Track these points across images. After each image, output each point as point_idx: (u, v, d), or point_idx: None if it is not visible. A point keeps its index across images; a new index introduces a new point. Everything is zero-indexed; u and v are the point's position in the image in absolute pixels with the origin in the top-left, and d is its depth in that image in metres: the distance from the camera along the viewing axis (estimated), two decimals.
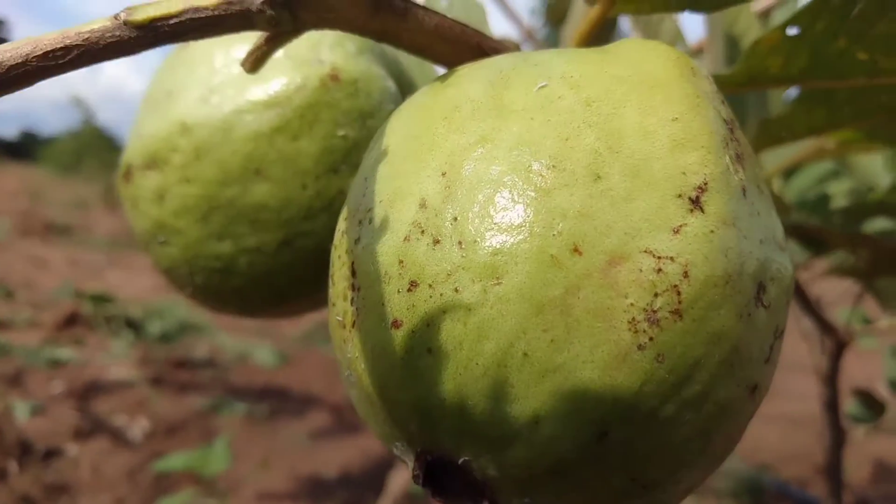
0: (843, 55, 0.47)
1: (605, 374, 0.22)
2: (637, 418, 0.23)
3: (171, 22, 0.27)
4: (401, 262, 0.25)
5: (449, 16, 0.53)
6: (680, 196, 0.24)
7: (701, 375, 0.23)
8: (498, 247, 0.23)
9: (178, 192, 0.38)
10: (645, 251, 0.23)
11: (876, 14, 0.44)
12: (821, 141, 0.70)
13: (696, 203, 0.24)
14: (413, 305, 0.24)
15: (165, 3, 0.27)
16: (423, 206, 0.25)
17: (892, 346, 1.27)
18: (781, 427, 2.81)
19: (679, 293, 0.23)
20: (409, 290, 0.25)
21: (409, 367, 0.24)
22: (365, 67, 0.39)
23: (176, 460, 1.80)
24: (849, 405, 1.27)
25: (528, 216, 0.23)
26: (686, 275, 0.23)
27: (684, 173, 0.24)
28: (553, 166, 0.24)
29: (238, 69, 0.38)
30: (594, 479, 0.24)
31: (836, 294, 1.28)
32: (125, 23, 0.27)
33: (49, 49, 0.26)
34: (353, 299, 0.27)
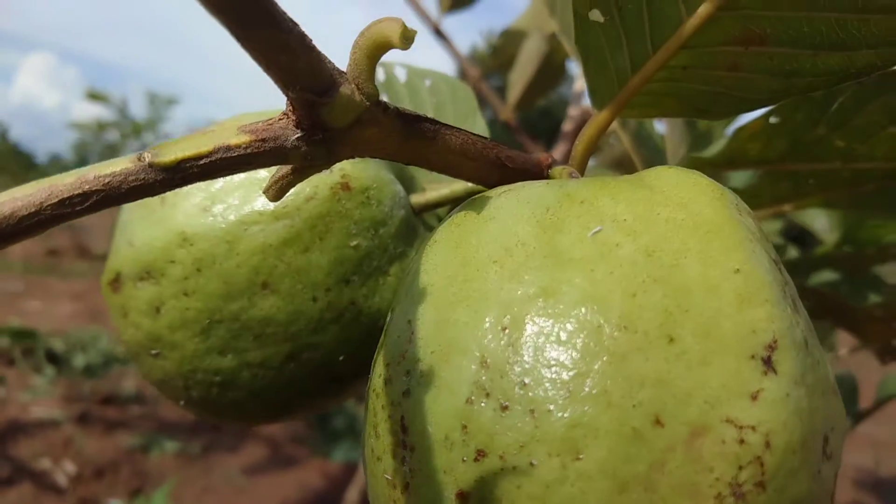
0: (822, 142, 0.49)
1: None
2: None
3: (202, 162, 0.25)
4: (464, 426, 0.23)
5: (433, 97, 0.52)
6: (753, 357, 0.23)
7: None
8: (576, 418, 0.22)
9: (177, 306, 0.36)
10: (726, 420, 0.22)
11: (855, 108, 0.46)
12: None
13: (768, 364, 0.23)
14: (481, 477, 0.23)
15: (194, 142, 0.25)
16: (483, 364, 0.24)
17: None
18: None
19: (762, 464, 0.22)
20: (475, 459, 0.23)
21: None
22: (374, 174, 0.37)
23: None
24: None
25: (606, 384, 0.22)
26: (768, 444, 0.22)
27: (754, 331, 0.23)
28: (625, 327, 0.23)
29: (239, 177, 0.36)
30: None
31: None
32: (150, 165, 0.24)
33: (66, 196, 0.24)
34: (404, 459, 0.25)
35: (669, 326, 0.23)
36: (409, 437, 0.25)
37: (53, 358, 3.40)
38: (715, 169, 0.53)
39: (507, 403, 0.23)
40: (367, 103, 0.27)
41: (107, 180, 0.24)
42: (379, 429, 0.27)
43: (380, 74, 0.52)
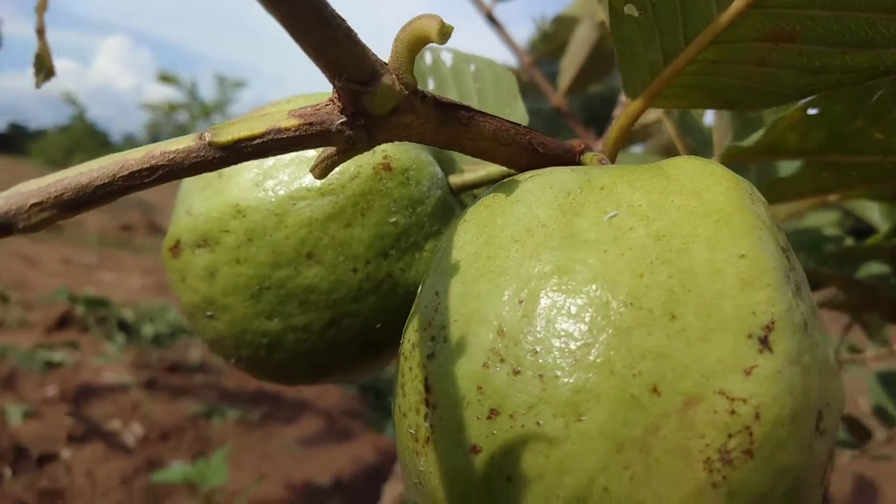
0: (860, 134, 0.49)
1: None
2: None
3: (255, 142, 0.28)
4: (479, 388, 0.26)
5: (476, 82, 0.54)
6: (750, 336, 0.25)
7: None
8: (580, 384, 0.24)
9: (230, 272, 0.39)
10: (719, 392, 0.24)
11: (892, 102, 0.46)
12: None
13: (764, 343, 0.25)
14: (493, 433, 0.25)
15: (248, 124, 0.28)
16: (500, 333, 0.26)
17: (877, 373, 1.29)
18: None
19: (751, 434, 0.24)
20: (488, 417, 0.25)
21: (487, 491, 0.25)
22: (414, 155, 0.40)
23: (174, 473, 1.81)
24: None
25: (609, 355, 0.24)
26: (757, 416, 0.24)
27: (754, 313, 0.25)
28: (630, 304, 0.25)
29: (289, 155, 0.39)
30: None
31: (825, 320, 1.30)
32: (210, 143, 0.27)
33: (135, 169, 0.27)
34: (426, 415, 0.28)
35: (672, 305, 0.25)
36: (431, 396, 0.28)
37: (124, 327, 3.56)
38: (755, 158, 0.54)
39: (519, 368, 0.25)
40: (406, 92, 0.29)
41: (171, 156, 0.27)
42: (406, 388, 0.30)
43: (427, 58, 0.54)
